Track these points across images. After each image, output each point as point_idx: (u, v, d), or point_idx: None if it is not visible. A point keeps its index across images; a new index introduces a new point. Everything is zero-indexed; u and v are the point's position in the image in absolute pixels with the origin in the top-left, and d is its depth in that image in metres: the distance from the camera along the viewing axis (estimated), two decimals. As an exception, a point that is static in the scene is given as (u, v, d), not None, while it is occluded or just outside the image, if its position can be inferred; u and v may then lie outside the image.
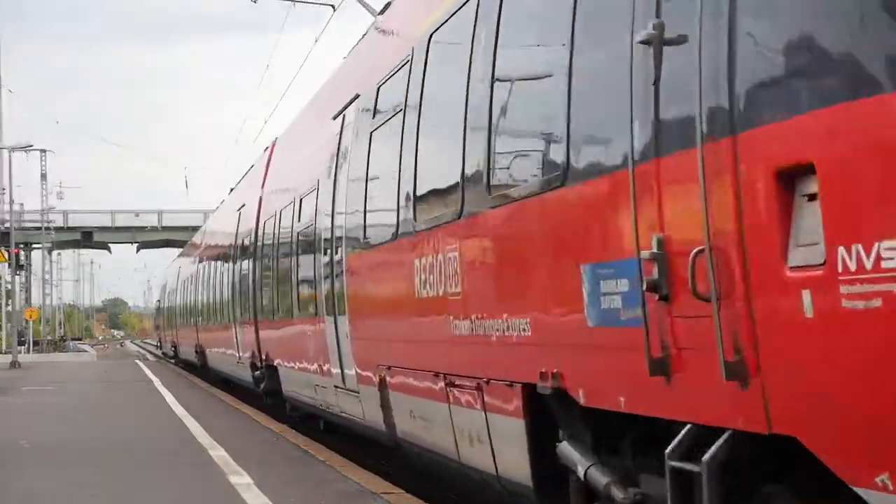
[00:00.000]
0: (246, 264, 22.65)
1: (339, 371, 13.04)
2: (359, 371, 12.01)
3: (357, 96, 12.55)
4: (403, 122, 10.02)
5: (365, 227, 11.45)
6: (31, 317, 75.42)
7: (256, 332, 20.73)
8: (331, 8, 24.37)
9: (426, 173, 9.47)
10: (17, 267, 62.03)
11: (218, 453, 14.16)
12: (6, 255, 57.12)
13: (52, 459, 14.14)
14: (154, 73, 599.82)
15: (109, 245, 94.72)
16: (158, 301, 72.46)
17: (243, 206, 24.58)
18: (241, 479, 11.80)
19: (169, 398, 25.45)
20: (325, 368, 13.95)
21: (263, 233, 20.34)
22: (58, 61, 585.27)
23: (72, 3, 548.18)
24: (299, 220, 16.08)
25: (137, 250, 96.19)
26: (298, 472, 12.58)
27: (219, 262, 29.15)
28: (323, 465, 13.20)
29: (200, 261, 36.12)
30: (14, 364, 49.81)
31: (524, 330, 7.17)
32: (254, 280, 21.32)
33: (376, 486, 11.25)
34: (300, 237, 15.96)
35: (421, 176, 9.53)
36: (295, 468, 12.98)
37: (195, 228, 58.51)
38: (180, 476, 12.54)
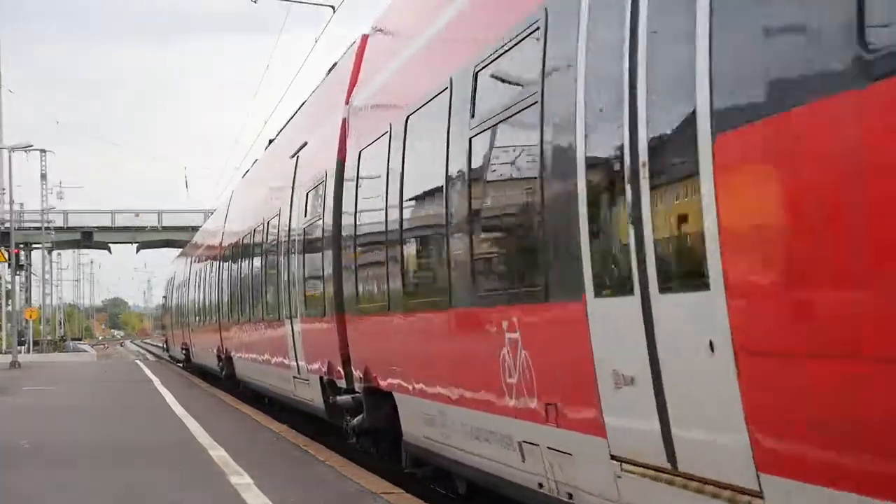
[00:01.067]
0: (316, 230, 15.02)
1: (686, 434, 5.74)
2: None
3: None
4: None
5: None
6: (31, 317, 75.45)
7: (342, 334, 13.45)
8: (331, 9, 24.37)
9: None
10: (17, 267, 62.01)
11: (218, 453, 14.15)
12: (6, 255, 57.12)
13: (52, 460, 14.13)
14: (154, 73, 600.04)
15: (109, 245, 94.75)
16: (164, 297, 62.19)
17: (303, 147, 17.01)
18: (241, 479, 11.80)
19: (169, 398, 25.43)
20: (589, 420, 6.69)
21: (358, 170, 12.62)
22: (58, 61, 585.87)
23: (72, 3, 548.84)
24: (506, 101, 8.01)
25: (137, 250, 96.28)
26: (298, 472, 12.58)
27: (257, 238, 21.40)
28: (323, 465, 13.20)
29: (226, 241, 28.40)
30: (14, 364, 49.81)
31: None
32: (337, 251, 13.60)
33: (376, 486, 11.25)
34: (511, 127, 7.99)
35: None
36: (295, 468, 12.97)
37: (195, 228, 58.24)
38: (180, 476, 12.53)
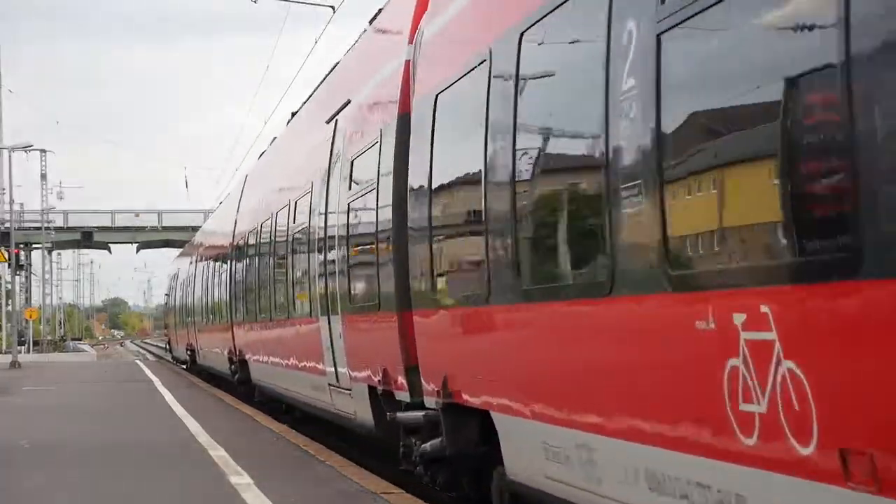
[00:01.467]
0: (367, 204, 12.07)
1: None
2: None
3: None
4: None
5: None
6: (31, 317, 75.47)
7: (406, 333, 10.46)
8: (331, 9, 24.40)
9: None
10: (17, 267, 62.04)
11: (218, 453, 14.15)
12: (6, 255, 57.16)
13: (52, 460, 14.14)
14: (154, 73, 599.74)
15: (109, 245, 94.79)
16: (167, 294, 57.32)
17: (344, 107, 13.95)
18: (241, 479, 11.80)
19: (169, 398, 25.43)
20: None
21: (434, 121, 9.53)
22: (58, 61, 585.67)
23: (72, 3, 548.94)
24: None
25: (137, 250, 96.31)
26: (298, 473, 12.58)
27: (281, 223, 18.53)
28: (323, 465, 13.20)
29: (240, 230, 24.82)
30: (14, 364, 49.84)
31: None
32: (400, 228, 10.57)
33: (376, 486, 11.25)
34: None
35: None
36: (295, 468, 12.98)
37: (195, 228, 58.10)
38: (180, 476, 12.54)
